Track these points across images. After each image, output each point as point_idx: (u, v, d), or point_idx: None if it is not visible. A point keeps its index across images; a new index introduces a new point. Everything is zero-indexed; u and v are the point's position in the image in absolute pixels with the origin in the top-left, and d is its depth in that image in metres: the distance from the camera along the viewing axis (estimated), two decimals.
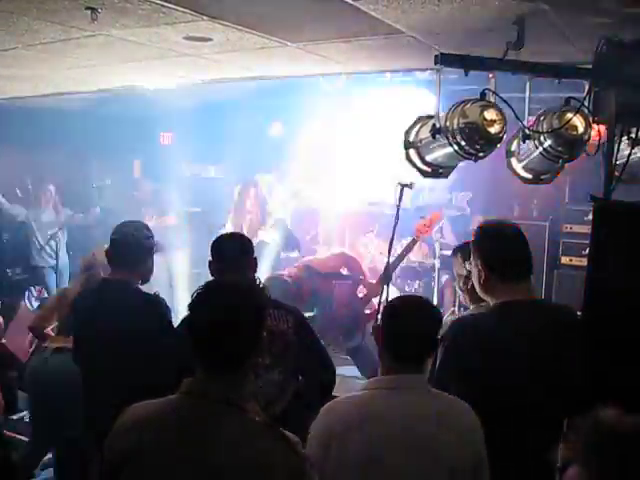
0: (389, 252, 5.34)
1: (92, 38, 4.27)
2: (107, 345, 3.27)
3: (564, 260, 7.29)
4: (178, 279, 7.92)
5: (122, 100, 7.62)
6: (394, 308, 2.57)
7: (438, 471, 2.29)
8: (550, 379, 2.62)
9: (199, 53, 4.78)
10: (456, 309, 6.28)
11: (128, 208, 8.59)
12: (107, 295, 3.53)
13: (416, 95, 7.17)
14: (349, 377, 5.38)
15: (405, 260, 7.51)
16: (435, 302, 7.09)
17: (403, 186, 5.10)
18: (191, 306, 2.02)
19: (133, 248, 3.57)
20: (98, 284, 3.76)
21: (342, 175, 8.25)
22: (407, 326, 2.44)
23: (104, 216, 8.49)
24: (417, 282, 7.60)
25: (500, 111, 3.36)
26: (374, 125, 7.98)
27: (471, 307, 3.43)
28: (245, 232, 6.84)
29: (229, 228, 7.22)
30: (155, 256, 3.74)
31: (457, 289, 3.70)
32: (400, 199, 5.22)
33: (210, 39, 4.31)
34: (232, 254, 3.34)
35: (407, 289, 7.62)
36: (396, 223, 5.21)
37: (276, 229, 7.02)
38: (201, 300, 2.01)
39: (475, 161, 3.43)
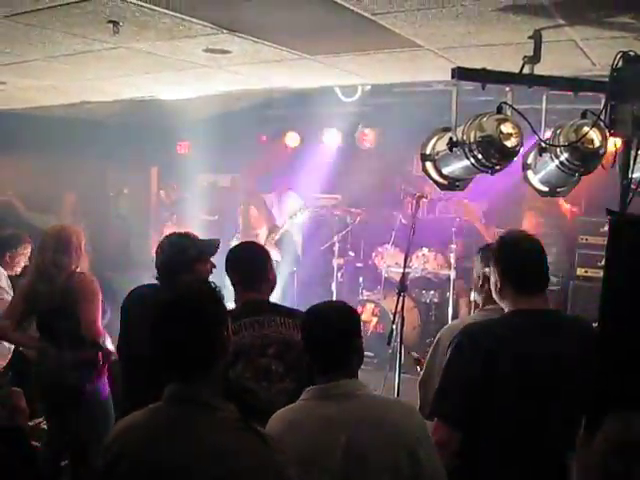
0: (405, 263, 5.37)
1: (113, 50, 4.33)
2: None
3: (579, 271, 7.26)
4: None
5: (140, 109, 7.68)
6: (312, 317, 2.58)
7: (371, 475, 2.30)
8: (559, 388, 2.65)
9: (218, 65, 4.85)
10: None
11: (145, 216, 8.70)
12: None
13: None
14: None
15: (421, 271, 7.56)
16: (450, 312, 7.11)
17: (419, 197, 5.13)
18: (153, 318, 2.10)
19: (173, 266, 3.55)
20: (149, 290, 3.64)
21: (358, 185, 8.30)
22: (325, 336, 2.47)
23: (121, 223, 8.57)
24: (432, 292, 7.62)
25: (517, 124, 3.38)
26: (390, 134, 8.05)
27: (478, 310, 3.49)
28: None
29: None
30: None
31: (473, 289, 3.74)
32: (416, 210, 5.26)
33: (229, 51, 4.37)
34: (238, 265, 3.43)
35: (422, 300, 7.64)
36: (412, 234, 5.24)
37: (280, 246, 7.02)
38: (160, 313, 2.10)
39: (492, 174, 3.45)
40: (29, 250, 5.36)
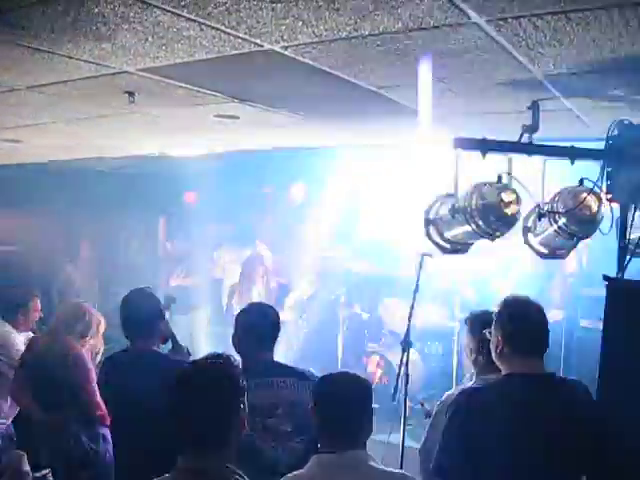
0: (409, 318, 5.43)
1: (128, 115, 4.50)
2: (142, 414, 3.31)
3: (583, 323, 7.30)
4: (198, 337, 8.09)
5: (148, 160, 7.81)
6: (325, 388, 2.64)
7: None
8: (549, 451, 2.72)
9: (227, 128, 5.02)
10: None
11: (153, 267, 8.79)
12: (137, 364, 3.61)
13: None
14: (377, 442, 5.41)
15: (425, 323, 7.61)
16: (455, 363, 7.14)
17: (423, 255, 5.21)
18: (172, 391, 2.18)
19: (142, 320, 3.67)
20: (124, 354, 3.77)
21: (364, 237, 8.41)
22: (337, 410, 2.53)
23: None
24: (437, 344, 7.67)
25: (516, 192, 3.50)
26: (395, 187, 8.17)
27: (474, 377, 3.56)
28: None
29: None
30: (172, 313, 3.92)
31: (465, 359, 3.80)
32: (420, 267, 5.34)
33: (238, 117, 4.53)
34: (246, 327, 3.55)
35: (427, 351, 7.68)
36: (416, 291, 5.32)
37: (295, 310, 7.10)
38: (180, 386, 2.19)
39: (492, 240, 3.56)
40: (39, 303, 5.25)
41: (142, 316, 3.67)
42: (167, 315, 3.94)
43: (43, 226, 8.25)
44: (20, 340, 4.98)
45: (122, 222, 9.48)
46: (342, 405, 2.53)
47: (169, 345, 4.03)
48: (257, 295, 7.38)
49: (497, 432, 2.73)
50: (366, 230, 8.29)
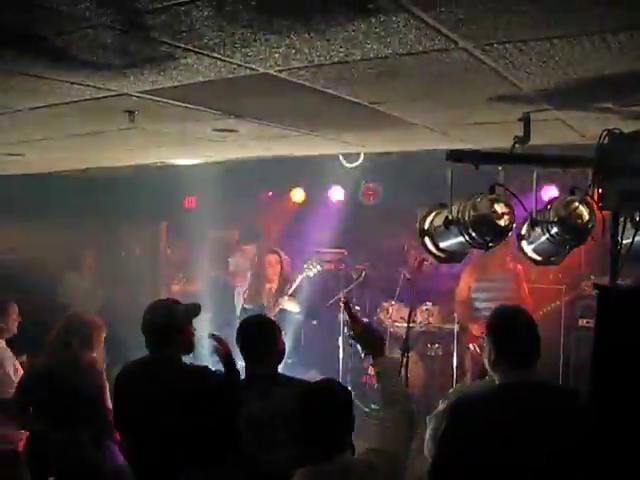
0: (408, 322, 5.54)
1: (129, 131, 4.57)
2: (154, 423, 3.41)
3: (581, 322, 7.38)
4: (200, 343, 8.13)
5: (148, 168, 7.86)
6: (307, 398, 2.76)
7: None
8: (540, 457, 2.80)
9: (225, 140, 5.09)
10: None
11: (155, 274, 8.85)
12: (154, 375, 3.66)
13: None
14: None
15: (425, 325, 7.70)
16: (455, 364, 7.23)
17: (420, 261, 5.32)
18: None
19: (164, 329, 3.71)
20: (143, 363, 3.80)
21: (363, 240, 8.49)
22: (318, 415, 2.66)
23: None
24: (437, 345, 7.75)
25: (509, 204, 3.57)
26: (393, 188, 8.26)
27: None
28: (264, 300, 7.09)
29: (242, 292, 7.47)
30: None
31: None
32: (418, 271, 5.45)
33: (236, 131, 4.61)
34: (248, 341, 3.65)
35: (427, 353, 7.76)
36: (414, 292, 5.45)
37: (296, 298, 7.17)
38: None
39: (486, 250, 3.65)
40: (17, 311, 5.26)
41: (156, 327, 3.72)
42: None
43: (45, 234, 8.30)
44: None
45: (124, 229, 9.54)
46: (320, 417, 2.66)
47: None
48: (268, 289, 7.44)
49: (490, 439, 2.83)
50: (365, 232, 8.37)
